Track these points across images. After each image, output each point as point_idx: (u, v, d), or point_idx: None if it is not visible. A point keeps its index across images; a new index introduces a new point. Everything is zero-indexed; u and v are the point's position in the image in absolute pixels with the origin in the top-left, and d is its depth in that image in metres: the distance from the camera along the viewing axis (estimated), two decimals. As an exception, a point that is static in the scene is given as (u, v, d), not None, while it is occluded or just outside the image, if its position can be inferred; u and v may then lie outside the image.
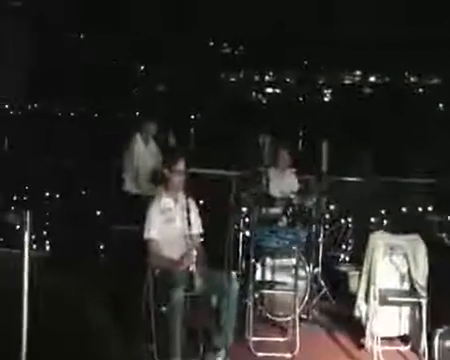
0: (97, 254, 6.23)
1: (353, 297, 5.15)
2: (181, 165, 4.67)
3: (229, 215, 4.65)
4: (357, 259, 5.94)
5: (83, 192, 7.79)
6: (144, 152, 6.41)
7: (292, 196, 5.95)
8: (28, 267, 3.47)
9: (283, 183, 6.32)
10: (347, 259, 6.43)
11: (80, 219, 6.91)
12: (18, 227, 3.69)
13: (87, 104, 22.12)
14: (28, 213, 3.50)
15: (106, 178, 6.90)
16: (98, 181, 7.55)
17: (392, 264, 4.86)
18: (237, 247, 5.73)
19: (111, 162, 6.84)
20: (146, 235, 4.58)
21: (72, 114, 21.88)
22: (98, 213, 7.11)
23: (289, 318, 5.03)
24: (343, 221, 6.56)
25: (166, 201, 4.69)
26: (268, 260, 5.40)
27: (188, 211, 4.58)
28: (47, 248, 6.54)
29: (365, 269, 4.84)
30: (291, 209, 5.84)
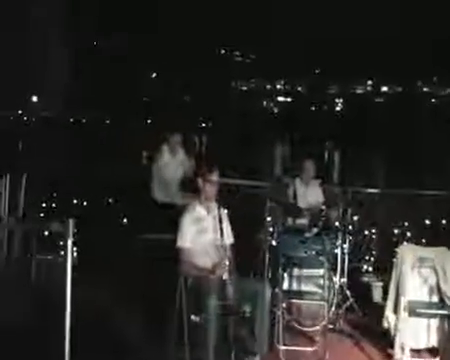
0: (128, 262, 6.28)
1: (378, 308, 5.22)
2: (215, 175, 4.73)
3: (262, 225, 4.70)
4: (380, 270, 6.16)
5: (111, 200, 7.85)
6: (171, 162, 6.50)
7: (321, 207, 6.00)
8: (71, 275, 3.55)
9: (309, 194, 6.38)
10: (370, 270, 6.47)
11: (111, 226, 7.04)
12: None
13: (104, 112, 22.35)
14: (71, 221, 3.59)
15: (138, 186, 7.00)
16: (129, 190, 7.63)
17: (421, 276, 4.88)
18: (264, 257, 5.78)
19: (142, 170, 6.96)
20: (179, 243, 4.64)
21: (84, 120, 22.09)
22: (128, 221, 7.25)
23: (317, 327, 5.07)
24: (367, 232, 6.60)
25: (199, 211, 4.76)
26: (295, 270, 5.45)
27: (220, 221, 4.64)
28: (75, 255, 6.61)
29: (394, 281, 4.87)
30: (318, 220, 5.89)
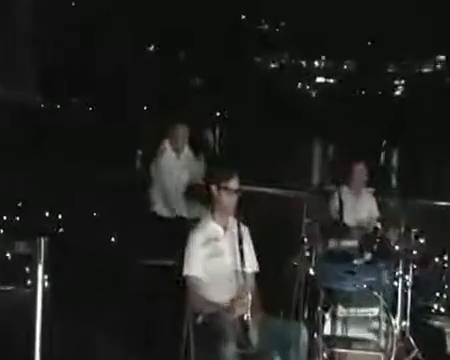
0: (118, 296, 6.33)
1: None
2: (234, 182, 4.77)
3: (296, 249, 4.70)
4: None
5: (95, 213, 7.99)
6: (175, 164, 6.56)
7: (376, 225, 6.03)
8: (41, 307, 3.59)
9: (359, 207, 6.44)
10: (442, 310, 6.48)
11: (96, 248, 7.12)
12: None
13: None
14: (42, 241, 3.63)
15: (129, 196, 7.11)
16: (119, 200, 7.74)
17: None
18: (299, 290, 5.80)
19: (137, 174, 7.07)
20: (186, 271, 4.69)
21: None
22: (117, 241, 7.33)
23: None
24: (437, 260, 6.61)
25: (212, 228, 4.79)
26: (341, 309, 5.46)
27: (241, 242, 4.67)
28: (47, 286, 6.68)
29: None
30: (371, 242, 5.92)
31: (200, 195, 6.01)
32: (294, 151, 10.54)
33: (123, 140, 12.10)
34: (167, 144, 6.60)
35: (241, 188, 4.80)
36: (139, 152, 10.97)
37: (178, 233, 5.05)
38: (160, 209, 6.50)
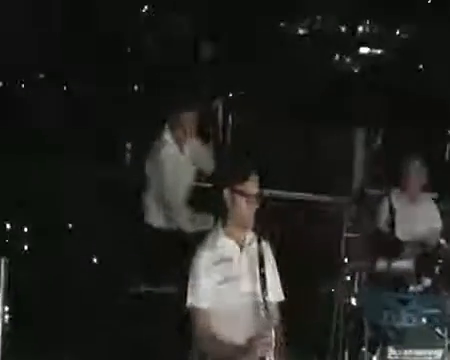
0: (102, 333, 6.36)
1: None
2: (252, 184, 4.76)
3: (333, 271, 4.75)
4: None
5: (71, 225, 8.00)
6: (178, 160, 6.58)
7: (439, 240, 6.10)
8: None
9: (416, 217, 6.46)
10: None
11: (72, 270, 7.11)
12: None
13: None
14: (3, 261, 3.70)
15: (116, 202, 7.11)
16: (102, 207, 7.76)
17: None
18: (337, 325, 5.90)
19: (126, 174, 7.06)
20: (191, 302, 4.68)
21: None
22: (99, 262, 7.36)
23: None
24: None
25: (225, 245, 4.80)
26: (392, 351, 5.49)
27: (262, 263, 4.68)
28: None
29: None
30: (432, 263, 5.93)
31: (209, 201, 6.00)
32: (329, 144, 10.49)
33: (107, 129, 12.08)
34: (168, 135, 6.63)
35: (262, 192, 4.80)
36: (128, 145, 10.95)
37: (180, 251, 5.15)
38: (156, 219, 6.52)
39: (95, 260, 7.52)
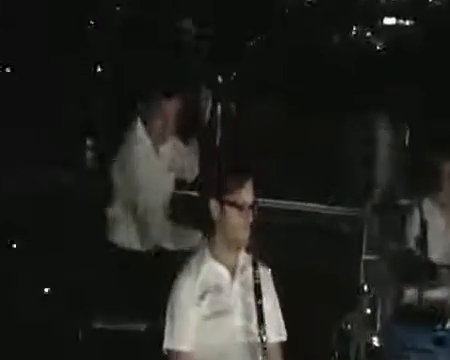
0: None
1: None
2: (247, 193, 4.75)
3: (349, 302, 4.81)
4: None
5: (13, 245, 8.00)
6: (155, 162, 6.61)
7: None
8: None
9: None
10: None
11: (16, 300, 7.14)
12: None
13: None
14: None
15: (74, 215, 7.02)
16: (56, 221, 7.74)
17: None
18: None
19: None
20: (169, 344, 4.71)
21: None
22: (52, 293, 7.32)
23: None
24: None
25: (212, 270, 4.80)
26: None
27: (259, 294, 4.69)
28: None
29: None
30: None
31: (192, 214, 5.99)
32: (343, 141, 10.52)
33: (62, 121, 12.11)
34: (141, 129, 6.63)
35: (258, 203, 4.80)
36: (89, 142, 10.95)
37: (156, 277, 5.21)
38: (125, 237, 6.51)
39: (46, 290, 7.47)
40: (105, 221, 6.60)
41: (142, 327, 5.30)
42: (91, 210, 6.85)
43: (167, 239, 6.44)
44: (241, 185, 4.75)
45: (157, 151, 6.67)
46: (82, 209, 7.17)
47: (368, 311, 6.09)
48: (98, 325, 6.24)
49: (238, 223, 4.75)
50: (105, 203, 6.63)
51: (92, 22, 20.08)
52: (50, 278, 7.55)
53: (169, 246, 6.42)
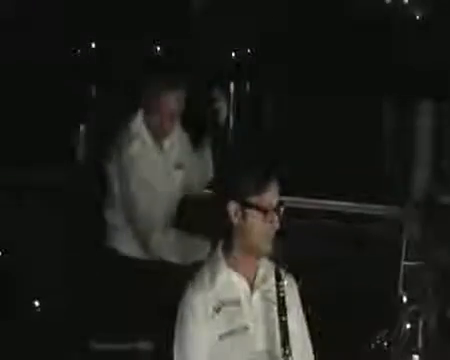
0: None
1: None
2: (271, 195, 4.53)
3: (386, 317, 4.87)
4: None
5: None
6: (157, 160, 6.38)
7: None
8: None
9: None
10: None
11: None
12: None
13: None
14: None
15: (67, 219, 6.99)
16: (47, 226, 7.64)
17: None
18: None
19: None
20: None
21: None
22: (42, 305, 7.28)
23: None
24: None
25: (229, 283, 4.62)
26: None
27: (283, 310, 4.51)
28: None
29: None
30: None
31: (204, 220, 5.76)
32: (379, 127, 10.40)
33: (53, 117, 12.11)
34: (141, 124, 6.36)
35: (284, 204, 4.61)
36: (82, 128, 10.87)
37: (162, 291, 5.18)
38: (125, 243, 6.26)
39: (37, 303, 7.31)
40: (105, 226, 6.42)
41: (146, 347, 5.27)
42: (90, 213, 6.74)
43: (169, 251, 6.18)
44: (264, 187, 4.57)
45: (161, 149, 6.47)
46: (80, 212, 7.11)
47: (408, 326, 5.90)
48: (95, 345, 6.11)
49: (261, 229, 4.62)
50: (104, 206, 6.50)
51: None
52: (43, 291, 7.57)
53: (172, 259, 6.17)
